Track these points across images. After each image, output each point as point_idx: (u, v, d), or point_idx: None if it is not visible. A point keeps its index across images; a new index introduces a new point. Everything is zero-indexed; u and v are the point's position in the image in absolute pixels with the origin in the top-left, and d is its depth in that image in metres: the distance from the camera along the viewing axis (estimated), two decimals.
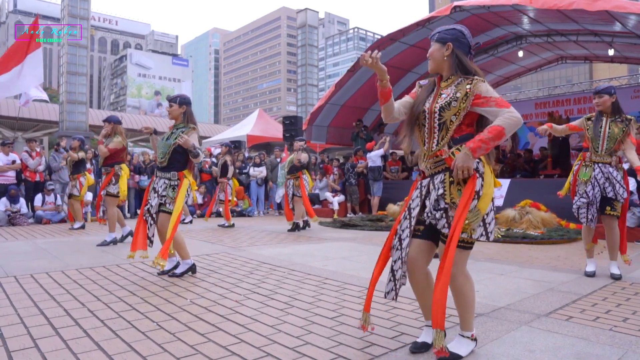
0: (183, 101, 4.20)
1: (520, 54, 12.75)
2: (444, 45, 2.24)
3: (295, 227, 7.75)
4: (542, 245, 6.22)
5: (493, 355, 2.24)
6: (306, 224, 8.02)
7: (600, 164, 4.04)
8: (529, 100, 14.99)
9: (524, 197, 8.02)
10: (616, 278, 3.98)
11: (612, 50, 11.26)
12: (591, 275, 4.12)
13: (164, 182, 4.06)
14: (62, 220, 9.15)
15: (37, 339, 2.43)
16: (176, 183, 4.05)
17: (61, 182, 9.55)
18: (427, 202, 2.22)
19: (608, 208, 4.01)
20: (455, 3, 8.95)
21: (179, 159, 4.07)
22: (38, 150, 9.75)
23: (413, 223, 2.23)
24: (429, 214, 2.19)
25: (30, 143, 9.76)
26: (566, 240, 6.46)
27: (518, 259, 5.05)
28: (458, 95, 2.15)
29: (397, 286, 2.24)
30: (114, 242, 5.97)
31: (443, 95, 2.21)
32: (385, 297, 2.28)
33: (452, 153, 2.14)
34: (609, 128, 3.98)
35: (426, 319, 2.34)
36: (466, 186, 2.10)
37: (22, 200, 9.07)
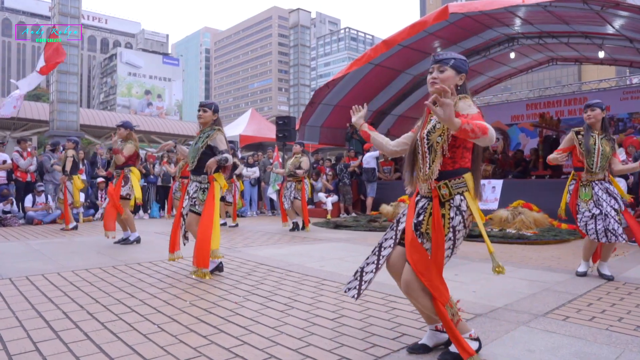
0: (217, 109, 4.30)
1: (512, 55, 12.86)
2: (458, 74, 2.23)
3: (295, 227, 7.80)
4: (536, 245, 6.29)
5: (494, 355, 2.26)
6: (296, 226, 7.95)
7: (596, 182, 4.08)
8: (520, 101, 15.12)
9: (517, 197, 8.10)
10: (608, 278, 4.05)
11: (603, 52, 11.39)
12: (582, 275, 4.18)
13: (196, 185, 4.19)
14: (54, 221, 9.07)
15: (37, 342, 2.41)
16: (206, 186, 4.15)
17: (54, 182, 9.46)
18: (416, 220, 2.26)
19: (618, 217, 4.05)
20: (451, 10, 9.01)
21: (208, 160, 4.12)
22: (30, 150, 9.65)
23: (399, 236, 2.30)
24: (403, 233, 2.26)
25: (22, 143, 9.66)
26: (559, 241, 6.54)
27: (512, 259, 5.11)
28: None
29: (362, 287, 2.32)
30: (138, 240, 6.15)
31: (432, 121, 2.22)
32: (345, 293, 2.36)
33: (439, 187, 2.17)
34: (602, 146, 4.05)
35: (427, 322, 2.36)
36: (436, 220, 2.13)
37: (12, 200, 8.99)
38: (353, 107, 2.64)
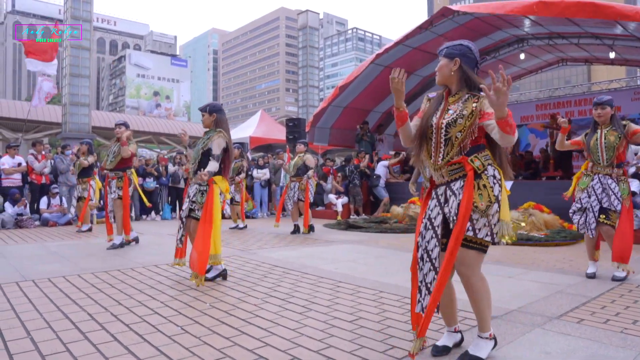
0: (213, 109, 4.26)
1: (522, 56, 12.83)
2: (451, 60, 2.30)
3: (296, 230, 7.81)
4: (546, 247, 6.30)
5: (510, 358, 2.31)
6: (297, 229, 7.83)
7: (600, 175, 4.18)
8: (529, 102, 15.08)
9: (527, 198, 8.10)
10: (617, 280, 4.08)
11: (613, 53, 11.35)
12: (592, 277, 4.22)
13: (196, 188, 4.17)
14: (68, 223, 9.22)
15: (67, 343, 2.50)
16: (205, 189, 4.12)
17: (68, 184, 9.61)
18: (447, 208, 2.26)
19: (602, 216, 4.15)
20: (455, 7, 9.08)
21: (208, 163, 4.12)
22: (44, 153, 9.81)
23: (439, 232, 2.25)
24: (454, 219, 2.20)
25: (37, 146, 9.81)
26: (569, 242, 6.55)
27: (524, 261, 5.14)
28: (464, 112, 2.21)
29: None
30: (122, 244, 6.05)
31: (450, 111, 2.26)
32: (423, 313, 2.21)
33: (472, 160, 2.22)
34: (605, 138, 4.13)
35: (447, 325, 2.42)
36: (466, 195, 2.16)
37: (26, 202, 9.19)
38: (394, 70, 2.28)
